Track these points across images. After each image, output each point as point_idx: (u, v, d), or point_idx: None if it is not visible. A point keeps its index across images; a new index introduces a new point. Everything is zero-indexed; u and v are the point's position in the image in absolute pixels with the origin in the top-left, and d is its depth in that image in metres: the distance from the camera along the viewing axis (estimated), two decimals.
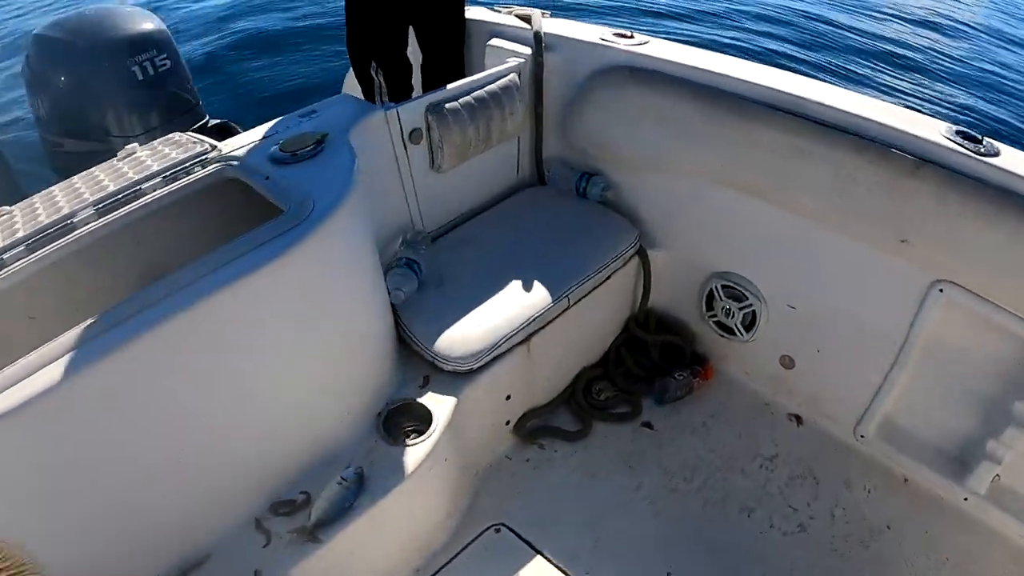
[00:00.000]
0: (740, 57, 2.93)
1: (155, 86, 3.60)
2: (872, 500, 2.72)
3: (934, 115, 2.60)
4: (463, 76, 3.33)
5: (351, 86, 3.80)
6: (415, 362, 2.59)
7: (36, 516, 1.79)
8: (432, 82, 3.47)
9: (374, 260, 2.39)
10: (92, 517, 1.87)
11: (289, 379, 2.12)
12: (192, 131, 3.54)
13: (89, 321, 1.79)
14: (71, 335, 1.76)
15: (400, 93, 3.42)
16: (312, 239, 1.96)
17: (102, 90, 3.57)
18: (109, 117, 3.58)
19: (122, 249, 2.37)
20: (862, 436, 2.81)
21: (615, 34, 3.06)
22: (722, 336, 3.09)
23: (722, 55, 2.93)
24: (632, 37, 3.02)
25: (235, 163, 2.41)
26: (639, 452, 2.86)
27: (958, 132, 2.38)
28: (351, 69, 3.87)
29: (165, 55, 3.63)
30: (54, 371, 1.67)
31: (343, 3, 3.40)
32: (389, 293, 2.53)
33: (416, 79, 3.60)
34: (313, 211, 2.03)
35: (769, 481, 2.77)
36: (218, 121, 3.85)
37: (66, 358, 1.70)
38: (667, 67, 2.84)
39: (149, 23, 3.73)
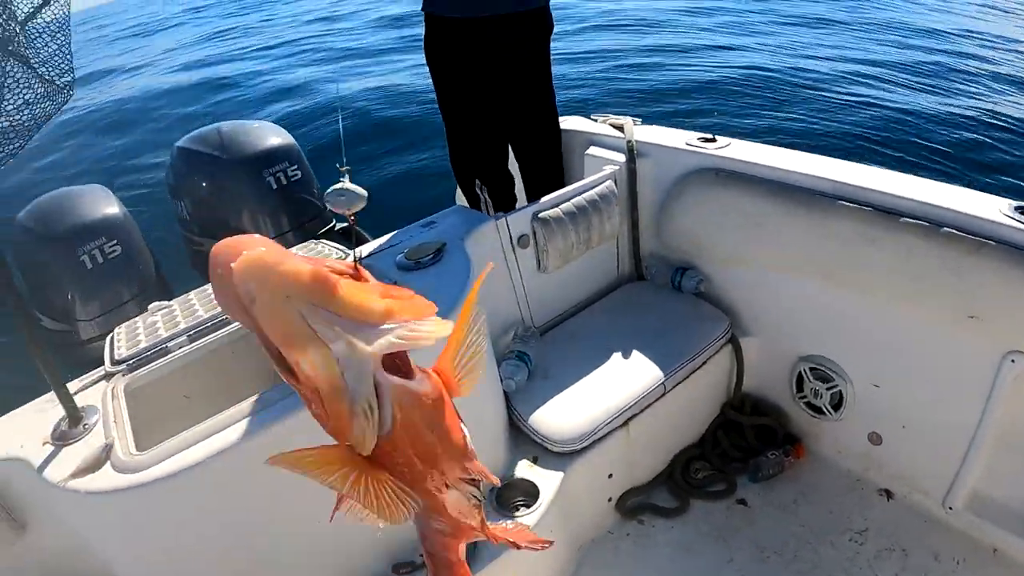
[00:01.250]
0: (813, 149, 3.07)
1: (287, 194, 3.89)
2: (961, 571, 2.69)
3: (995, 192, 2.62)
4: (563, 183, 3.55)
5: (463, 196, 4.08)
6: (525, 444, 2.77)
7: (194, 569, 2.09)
8: (535, 191, 3.65)
9: (489, 354, 2.61)
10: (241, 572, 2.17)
11: None
12: (320, 234, 3.86)
13: (247, 402, 2.09)
14: (232, 412, 2.06)
15: (505, 206, 3.64)
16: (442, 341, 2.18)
17: (240, 198, 3.87)
18: (246, 221, 3.87)
19: None
20: (950, 508, 2.78)
21: (699, 138, 3.26)
22: (812, 416, 3.14)
23: (795, 152, 3.07)
24: (715, 140, 3.22)
25: (366, 270, 2.67)
26: (733, 527, 2.93)
27: (1016, 208, 2.43)
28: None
29: (296, 166, 3.94)
30: (214, 443, 1.97)
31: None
32: (502, 382, 2.76)
33: (520, 188, 3.80)
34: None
35: (858, 554, 2.78)
36: (344, 225, 4.13)
37: (230, 430, 2.01)
38: (746, 168, 3.02)
39: (280, 137, 4.05)
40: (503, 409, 2.74)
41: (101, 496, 1.93)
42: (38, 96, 1.89)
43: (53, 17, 1.84)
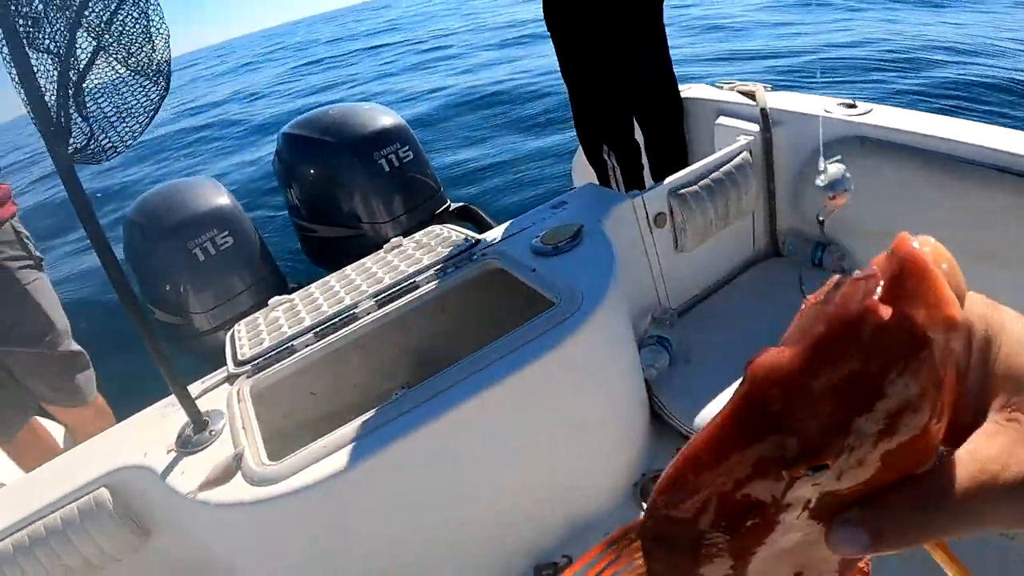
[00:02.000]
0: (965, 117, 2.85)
1: (400, 176, 3.79)
2: None
3: None
4: (686, 152, 3.45)
5: (580, 169, 3.93)
6: (668, 434, 2.64)
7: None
8: (659, 161, 3.56)
9: (631, 340, 2.49)
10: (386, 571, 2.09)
11: (556, 453, 2.24)
12: (436, 216, 3.76)
13: (379, 409, 1.98)
14: (363, 421, 1.95)
15: (632, 173, 3.55)
16: (584, 329, 2.08)
17: (352, 182, 3.79)
18: (359, 205, 3.79)
19: (393, 336, 2.58)
20: None
21: (839, 104, 3.05)
22: None
23: (949, 118, 2.86)
24: (856, 106, 3.01)
25: (500, 256, 2.58)
26: None
27: None
28: (577, 154, 4.00)
29: (407, 147, 3.83)
30: (348, 454, 1.86)
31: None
32: (644, 370, 2.62)
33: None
34: (583, 303, 2.15)
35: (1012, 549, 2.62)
36: (459, 205, 4.01)
37: (369, 437, 1.89)
38: (893, 135, 2.82)
39: (390, 118, 3.94)
40: (645, 398, 2.62)
41: (232, 508, 1.86)
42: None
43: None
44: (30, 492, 2.14)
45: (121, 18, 1.75)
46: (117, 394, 3.16)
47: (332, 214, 3.91)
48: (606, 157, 3.45)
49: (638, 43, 3.36)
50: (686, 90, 3.65)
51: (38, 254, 2.91)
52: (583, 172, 3.94)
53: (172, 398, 2.19)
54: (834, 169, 2.30)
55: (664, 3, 3.34)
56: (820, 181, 2.25)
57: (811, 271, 3.17)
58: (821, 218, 2.34)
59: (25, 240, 2.83)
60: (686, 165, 3.10)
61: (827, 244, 3.16)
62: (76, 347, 3.01)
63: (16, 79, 1.72)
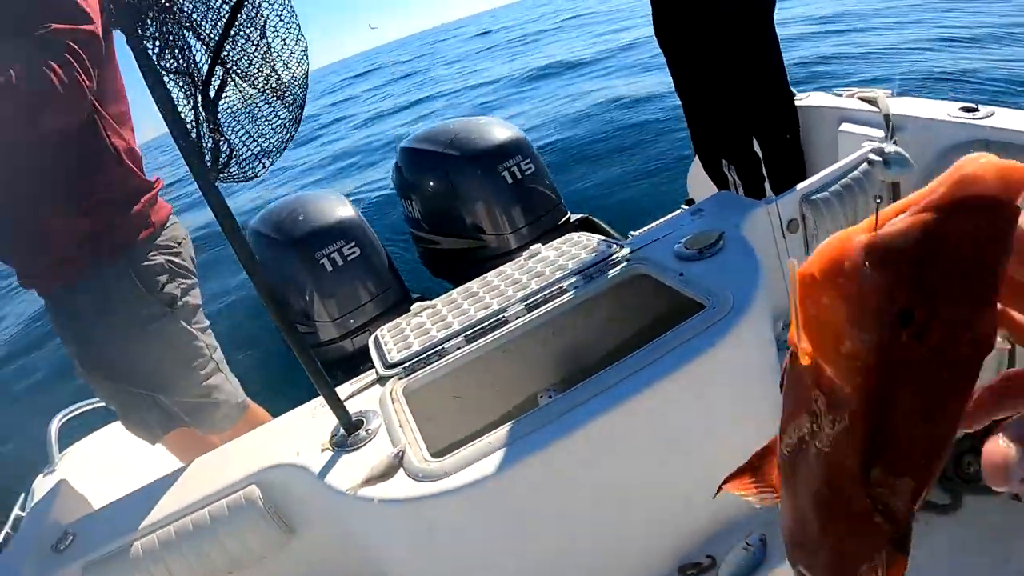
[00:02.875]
0: None
1: (522, 188, 3.83)
2: None
3: None
4: (804, 161, 3.48)
5: (696, 180, 3.95)
6: None
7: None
8: (778, 171, 3.57)
9: (773, 342, 2.50)
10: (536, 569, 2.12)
11: (705, 454, 2.25)
12: (557, 227, 3.81)
13: (540, 410, 2.03)
14: (525, 420, 1.99)
15: (753, 185, 3.57)
16: (736, 331, 2.11)
17: (475, 194, 3.84)
18: (482, 217, 3.84)
19: (540, 339, 2.62)
20: None
21: (961, 108, 3.03)
22: None
23: None
24: (977, 110, 2.99)
25: (645, 261, 2.61)
26: (1009, 525, 2.71)
27: None
28: (692, 166, 4.02)
29: (529, 159, 3.87)
30: (516, 449, 1.91)
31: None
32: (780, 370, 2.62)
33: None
34: (734, 304, 2.18)
35: None
36: (580, 216, 4.04)
37: (530, 437, 1.93)
38: (1018, 137, 2.78)
39: (510, 131, 3.99)
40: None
41: (397, 504, 1.91)
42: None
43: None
44: (181, 488, 2.23)
45: (254, 44, 1.81)
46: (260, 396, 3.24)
47: (454, 226, 3.97)
48: (726, 171, 3.46)
49: (751, 55, 3.39)
50: (804, 98, 3.66)
51: (183, 286, 2.85)
52: (699, 185, 3.96)
53: (319, 400, 2.26)
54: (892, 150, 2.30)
55: (774, 13, 3.36)
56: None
57: None
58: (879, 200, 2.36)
59: (174, 267, 2.81)
60: (804, 174, 3.11)
61: None
62: (210, 393, 2.94)
63: (159, 105, 1.81)
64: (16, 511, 2.69)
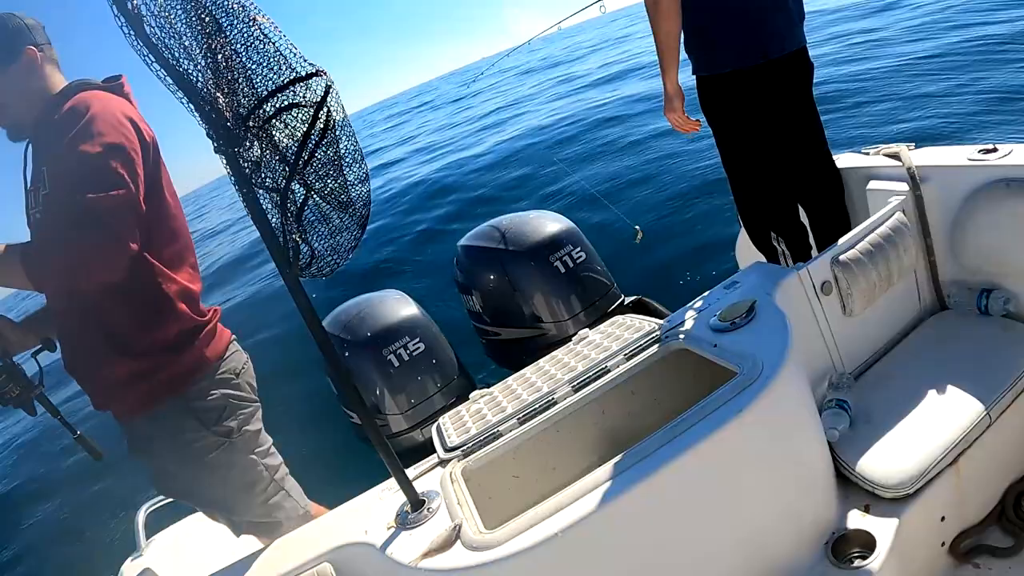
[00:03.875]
0: None
1: (575, 275, 3.96)
2: None
3: None
4: (849, 225, 3.52)
5: (744, 252, 4.05)
6: (855, 493, 2.66)
7: None
8: (826, 238, 3.62)
9: (812, 404, 2.57)
10: None
11: (746, 516, 2.33)
12: (612, 311, 3.93)
13: (589, 477, 2.14)
14: (574, 488, 2.10)
15: (802, 254, 3.65)
16: (766, 394, 2.20)
17: (531, 285, 3.98)
18: (539, 306, 3.97)
19: (590, 417, 2.75)
20: None
21: (980, 151, 3.12)
22: None
23: None
24: (996, 150, 3.07)
25: (682, 336, 2.73)
26: None
27: None
28: (740, 238, 4.13)
29: (579, 247, 4.01)
30: (564, 515, 2.03)
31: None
32: (825, 432, 2.68)
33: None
34: (764, 369, 2.27)
35: None
36: (634, 298, 4.15)
37: (575, 505, 2.05)
38: None
39: (559, 223, 4.14)
40: (829, 459, 2.67)
41: (454, 574, 2.03)
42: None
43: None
44: (259, 569, 2.38)
45: (323, 159, 2.05)
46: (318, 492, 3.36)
47: (514, 317, 4.10)
48: (775, 243, 3.56)
49: (794, 125, 3.51)
50: (836, 160, 3.74)
51: (241, 416, 2.91)
52: (746, 255, 4.06)
53: (386, 483, 2.42)
54: None
55: (813, 82, 3.49)
56: None
57: (979, 319, 3.21)
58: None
59: (232, 399, 2.88)
60: None
61: (991, 290, 3.18)
62: (271, 513, 3.01)
63: (249, 215, 2.04)
64: None
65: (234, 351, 2.98)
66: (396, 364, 3.67)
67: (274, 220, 2.09)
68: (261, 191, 2.06)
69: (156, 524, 3.61)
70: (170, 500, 3.48)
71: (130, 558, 3.24)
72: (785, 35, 3.33)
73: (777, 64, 3.33)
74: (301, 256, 2.16)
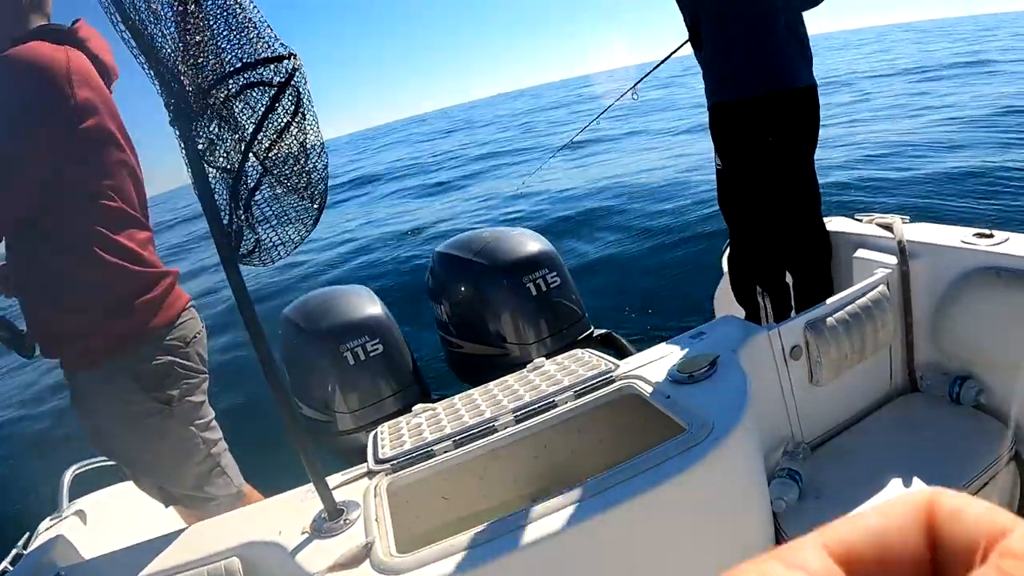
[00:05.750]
0: None
1: (547, 300, 3.87)
2: None
3: None
4: (832, 291, 3.46)
5: (722, 302, 3.98)
6: None
7: None
8: (805, 300, 3.58)
9: (761, 471, 2.49)
10: None
11: None
12: (579, 341, 3.85)
13: (512, 517, 2.04)
14: (495, 526, 2.01)
15: (783, 314, 3.61)
16: (712, 456, 2.11)
17: (501, 303, 3.89)
18: (506, 326, 3.88)
19: (530, 451, 2.65)
20: None
21: (975, 234, 3.06)
22: None
23: None
24: (992, 236, 3.01)
25: (637, 382, 2.65)
26: None
27: None
28: (720, 286, 4.06)
29: (555, 272, 3.91)
30: (481, 552, 1.93)
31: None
32: (772, 502, 2.62)
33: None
34: (713, 431, 2.19)
35: None
36: (602, 332, 4.04)
37: (495, 542, 1.96)
38: None
39: (540, 244, 4.05)
40: (771, 530, 2.60)
41: None
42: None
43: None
44: (171, 550, 2.30)
45: (283, 145, 1.94)
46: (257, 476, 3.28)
47: (479, 332, 4.02)
48: (760, 299, 3.49)
49: (796, 183, 3.49)
50: (827, 223, 3.70)
51: (185, 386, 2.86)
52: (724, 305, 4.00)
53: (311, 486, 2.31)
54: None
55: (816, 150, 3.45)
56: None
57: (949, 407, 3.13)
58: None
59: (178, 367, 2.82)
60: None
61: (965, 378, 3.10)
62: (203, 487, 2.96)
63: (197, 193, 1.95)
64: (18, 549, 2.78)
65: (188, 319, 2.91)
66: (351, 362, 3.58)
67: (222, 203, 2.01)
68: (213, 170, 1.97)
69: (85, 487, 3.52)
70: (100, 464, 3.42)
71: (49, 518, 3.15)
72: (794, 72, 3.34)
73: (787, 96, 3.33)
74: (244, 242, 2.07)
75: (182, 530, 2.45)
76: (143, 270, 2.75)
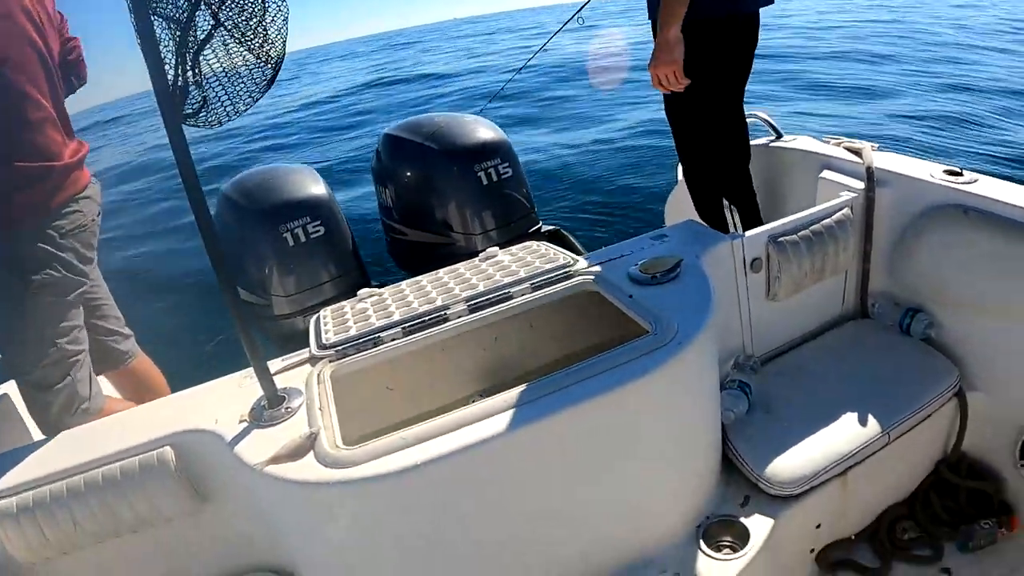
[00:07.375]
0: None
1: (497, 191, 3.79)
2: None
3: None
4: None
5: (675, 209, 3.90)
6: (737, 481, 2.60)
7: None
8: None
9: (716, 381, 2.47)
10: None
11: (626, 483, 2.22)
12: (527, 235, 3.77)
13: (465, 410, 1.99)
14: (447, 420, 1.95)
15: (751, 226, 3.51)
16: (675, 361, 2.07)
17: (449, 190, 3.80)
18: (453, 215, 3.80)
19: (482, 342, 2.61)
20: None
21: (945, 171, 3.02)
22: None
23: None
24: (962, 175, 2.97)
25: (597, 279, 2.58)
26: None
27: None
28: (673, 194, 3.97)
29: (507, 163, 3.83)
30: (433, 447, 1.88)
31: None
32: (722, 412, 2.60)
33: None
34: (677, 334, 2.15)
35: None
36: (551, 228, 3.99)
37: (448, 437, 1.90)
38: (1002, 208, 2.75)
39: (494, 132, 3.95)
40: (719, 441, 2.59)
41: (301, 486, 1.88)
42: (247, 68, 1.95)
43: None
44: (95, 441, 2.19)
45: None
46: (195, 358, 3.17)
47: (424, 219, 3.94)
48: (728, 212, 3.41)
49: (741, 82, 3.43)
50: (791, 141, 3.67)
51: (52, 278, 2.76)
52: (676, 214, 3.92)
53: (249, 370, 2.21)
54: None
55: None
56: None
57: (898, 336, 3.13)
58: None
59: (53, 259, 2.74)
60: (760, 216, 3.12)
61: (916, 311, 3.09)
62: (40, 384, 2.82)
63: (139, 42, 1.77)
64: None
65: (74, 209, 2.78)
66: (291, 243, 3.47)
67: (168, 57, 1.85)
68: (159, 19, 1.81)
69: None
70: None
71: None
72: None
73: (756, 17, 3.26)
74: (190, 101, 1.92)
75: (108, 418, 2.35)
76: (25, 164, 2.62)
